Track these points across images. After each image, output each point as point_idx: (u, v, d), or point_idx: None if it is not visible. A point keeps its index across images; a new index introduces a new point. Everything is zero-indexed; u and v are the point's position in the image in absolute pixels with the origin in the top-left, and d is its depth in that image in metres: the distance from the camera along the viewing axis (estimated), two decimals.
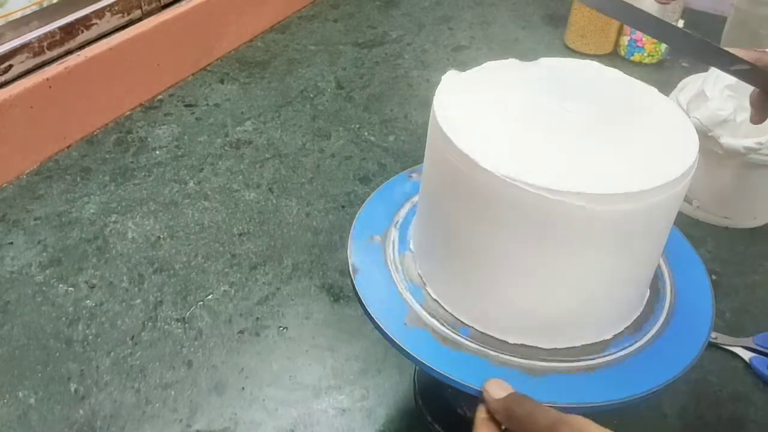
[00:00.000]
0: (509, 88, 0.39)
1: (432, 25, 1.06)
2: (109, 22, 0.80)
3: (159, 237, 0.65)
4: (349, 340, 0.55)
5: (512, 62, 0.42)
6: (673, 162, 0.34)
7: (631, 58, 0.97)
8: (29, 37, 0.72)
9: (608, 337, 0.38)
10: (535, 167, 0.32)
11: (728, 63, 0.37)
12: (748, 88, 0.41)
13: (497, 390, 0.33)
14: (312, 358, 0.54)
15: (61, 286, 0.59)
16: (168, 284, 0.60)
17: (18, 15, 0.72)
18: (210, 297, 0.59)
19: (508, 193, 0.32)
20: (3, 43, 0.70)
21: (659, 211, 0.34)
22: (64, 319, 0.56)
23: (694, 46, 0.37)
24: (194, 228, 0.66)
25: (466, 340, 0.37)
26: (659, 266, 0.42)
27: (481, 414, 0.33)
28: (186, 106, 0.85)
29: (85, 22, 0.77)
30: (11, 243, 0.64)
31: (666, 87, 0.71)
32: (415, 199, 0.46)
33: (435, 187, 0.38)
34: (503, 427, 0.33)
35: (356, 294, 0.40)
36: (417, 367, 0.52)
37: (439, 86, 0.38)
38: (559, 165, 0.33)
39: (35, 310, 0.57)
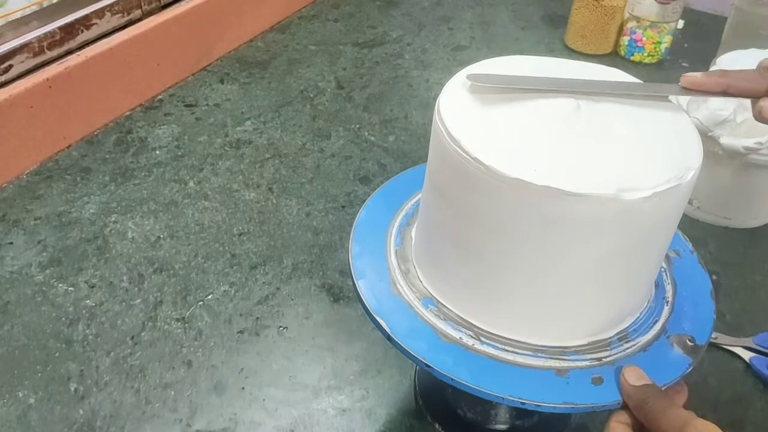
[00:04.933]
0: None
1: (432, 25, 1.06)
2: (109, 22, 0.80)
3: (159, 237, 0.65)
4: (349, 340, 0.55)
5: (516, 58, 0.42)
6: (679, 164, 0.33)
7: (631, 58, 0.97)
8: (29, 37, 0.72)
9: (609, 336, 0.38)
10: (540, 167, 0.32)
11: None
12: None
13: (634, 378, 0.34)
14: (312, 358, 0.54)
15: (61, 286, 0.59)
16: (168, 284, 0.60)
17: (18, 15, 0.72)
18: (210, 297, 0.59)
19: (512, 192, 0.32)
20: (3, 43, 0.70)
21: (663, 213, 0.34)
22: (64, 319, 0.56)
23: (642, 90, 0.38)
24: (194, 228, 0.66)
25: (468, 338, 0.37)
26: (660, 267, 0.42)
27: (616, 417, 0.34)
28: (186, 106, 0.85)
29: (85, 22, 0.77)
30: (11, 243, 0.64)
31: None
32: (417, 198, 0.46)
33: (437, 185, 0.38)
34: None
35: (357, 293, 0.40)
36: (417, 367, 0.52)
37: (445, 86, 0.38)
38: (564, 165, 0.33)
39: (35, 310, 0.57)
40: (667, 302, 0.40)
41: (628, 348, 0.37)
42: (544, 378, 0.35)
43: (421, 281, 0.41)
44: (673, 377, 0.35)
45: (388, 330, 0.37)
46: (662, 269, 0.42)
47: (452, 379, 0.35)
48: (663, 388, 0.34)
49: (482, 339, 0.37)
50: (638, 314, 0.39)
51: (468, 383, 0.35)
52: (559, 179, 0.31)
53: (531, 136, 0.34)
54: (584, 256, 0.34)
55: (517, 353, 0.36)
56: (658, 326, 0.39)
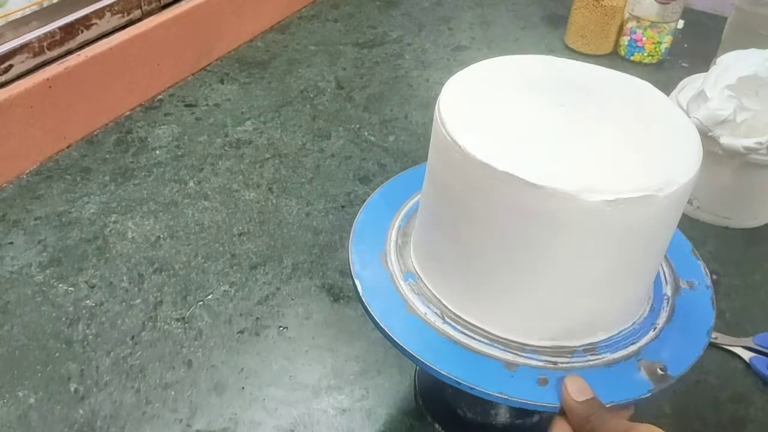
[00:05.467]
0: (513, 87, 0.39)
1: (432, 25, 1.06)
2: (109, 22, 0.80)
3: (159, 237, 0.65)
4: (349, 340, 0.55)
5: (517, 58, 0.42)
6: (679, 165, 0.33)
7: (631, 58, 0.97)
8: (29, 37, 0.72)
9: (575, 345, 0.37)
10: (539, 167, 0.32)
11: None
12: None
13: (577, 391, 0.33)
14: (312, 358, 0.54)
15: (61, 286, 0.59)
16: (168, 284, 0.60)
17: (18, 15, 0.72)
18: (210, 297, 0.59)
19: (479, 176, 0.33)
20: (3, 43, 0.70)
21: (636, 223, 0.33)
22: (64, 319, 0.56)
23: None
24: (194, 228, 0.66)
25: (433, 315, 0.38)
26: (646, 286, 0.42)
27: (557, 428, 0.33)
28: (186, 106, 0.85)
29: (85, 22, 0.77)
30: (11, 243, 0.64)
31: (666, 87, 0.70)
32: (417, 197, 0.46)
33: (437, 184, 0.38)
34: None
35: (357, 293, 0.40)
36: (417, 367, 0.52)
37: (444, 86, 0.38)
38: (544, 158, 0.33)
39: (35, 310, 0.57)
40: (655, 329, 0.39)
41: (590, 360, 0.36)
42: (490, 366, 0.36)
43: (411, 257, 0.42)
44: (626, 397, 0.34)
45: (360, 290, 0.39)
46: (664, 296, 0.41)
47: (401, 346, 0.36)
48: (608, 406, 0.33)
49: (446, 318, 0.38)
50: (615, 331, 0.38)
51: (413, 352, 0.36)
52: (523, 168, 0.31)
53: (525, 132, 0.35)
54: (546, 253, 0.34)
55: (473, 338, 0.37)
56: (633, 348, 0.37)
